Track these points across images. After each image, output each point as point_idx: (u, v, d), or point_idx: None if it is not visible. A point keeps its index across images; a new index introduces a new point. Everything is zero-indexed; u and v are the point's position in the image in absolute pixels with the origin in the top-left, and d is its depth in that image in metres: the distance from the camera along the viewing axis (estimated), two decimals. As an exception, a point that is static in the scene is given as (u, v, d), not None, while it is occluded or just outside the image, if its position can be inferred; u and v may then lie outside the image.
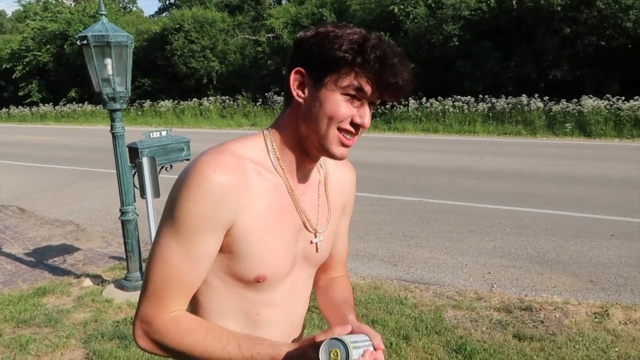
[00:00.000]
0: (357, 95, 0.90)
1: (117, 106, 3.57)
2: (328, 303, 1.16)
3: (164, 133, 3.75)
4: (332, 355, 0.83)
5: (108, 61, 3.43)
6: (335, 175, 1.10)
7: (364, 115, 0.93)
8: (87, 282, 4.12)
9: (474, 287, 3.80)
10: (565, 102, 12.27)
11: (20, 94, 25.15)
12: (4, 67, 25.39)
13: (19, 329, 3.33)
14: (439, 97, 14.39)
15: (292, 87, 0.93)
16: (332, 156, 0.95)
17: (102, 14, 3.50)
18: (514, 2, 14.63)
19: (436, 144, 11.18)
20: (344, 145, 0.94)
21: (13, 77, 24.67)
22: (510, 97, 13.46)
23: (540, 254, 4.40)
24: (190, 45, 19.90)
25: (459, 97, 14.08)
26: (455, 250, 4.60)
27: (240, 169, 0.90)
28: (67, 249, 5.10)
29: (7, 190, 8.16)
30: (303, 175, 1.01)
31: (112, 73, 3.46)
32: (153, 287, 0.89)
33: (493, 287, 3.81)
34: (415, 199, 6.36)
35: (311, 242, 1.03)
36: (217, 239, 0.90)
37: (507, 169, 7.82)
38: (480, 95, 13.82)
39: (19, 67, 24.47)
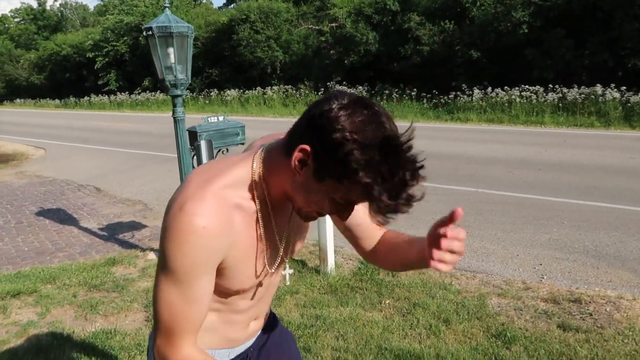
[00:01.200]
0: (348, 206, 0.92)
1: (178, 92, 3.82)
2: (394, 248, 1.17)
3: (221, 118, 3.97)
4: None
5: (170, 50, 3.68)
6: None
7: (346, 215, 0.94)
8: (151, 255, 4.46)
9: (522, 278, 3.75)
10: (644, 93, 11.46)
11: (100, 82, 26.93)
12: (87, 56, 27.25)
13: (91, 292, 3.70)
14: (505, 87, 13.87)
15: (293, 160, 0.89)
16: (303, 220, 1.03)
17: (165, 7, 3.75)
18: (590, -15, 13.78)
19: (499, 135, 10.84)
20: (312, 219, 1.00)
21: (95, 67, 26.45)
22: (583, 87, 12.73)
23: (598, 248, 4.23)
24: (255, 35, 20.39)
25: (527, 86, 13.50)
26: (507, 240, 4.53)
27: (223, 212, 0.94)
28: (135, 226, 5.52)
29: (86, 172, 8.88)
30: (283, 207, 1.06)
31: (174, 61, 3.71)
32: (162, 325, 0.97)
33: (543, 278, 3.74)
34: (471, 189, 6.27)
35: (282, 262, 1.13)
36: (212, 276, 0.98)
37: (572, 161, 7.48)
38: (550, 85, 13.18)
39: (100, 58, 26.19)
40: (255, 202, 0.99)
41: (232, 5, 28.78)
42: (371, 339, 2.88)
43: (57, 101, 30.82)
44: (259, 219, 1.01)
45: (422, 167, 0.87)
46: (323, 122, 0.84)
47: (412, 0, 17.35)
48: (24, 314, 3.39)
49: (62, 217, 6.02)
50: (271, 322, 1.35)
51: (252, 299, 1.13)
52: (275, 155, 0.97)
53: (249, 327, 1.20)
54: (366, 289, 3.55)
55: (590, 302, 3.26)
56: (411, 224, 5.10)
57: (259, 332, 1.28)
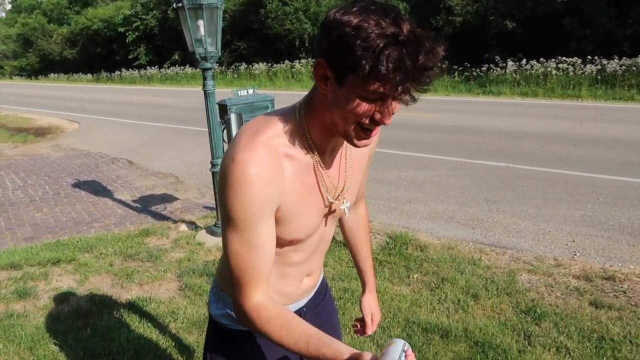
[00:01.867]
0: (378, 98, 0.89)
1: (208, 65, 3.83)
2: (354, 246, 1.49)
3: (250, 91, 3.97)
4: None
5: (200, 22, 3.67)
6: None
7: (385, 113, 0.91)
8: (183, 227, 4.56)
9: (554, 254, 3.69)
10: (690, 64, 10.89)
11: (130, 56, 27.25)
12: (118, 30, 27.55)
13: (126, 261, 3.83)
14: (541, 59, 13.39)
15: (316, 79, 0.93)
16: (354, 146, 0.99)
17: (196, -22, 3.72)
18: (636, -51, 13.02)
19: (533, 109, 10.53)
20: (364, 138, 0.97)
21: (127, 40, 26.73)
22: (624, 58, 12.17)
23: (635, 226, 4.11)
24: (283, 7, 20.16)
25: (564, 58, 12.99)
26: (539, 216, 4.45)
27: (273, 160, 0.97)
28: (167, 198, 5.64)
29: (119, 145, 9.08)
30: (332, 147, 1.08)
31: (204, 34, 3.71)
32: (234, 276, 1.01)
33: (575, 255, 3.67)
34: (502, 164, 6.14)
35: (332, 211, 1.15)
36: (270, 223, 1.00)
37: (609, 136, 7.23)
38: (589, 57, 12.64)
39: (130, 32, 26.44)
40: (304, 150, 1.03)
41: (259, -23, 28.43)
42: (399, 313, 2.90)
43: (89, 75, 31.41)
44: (311, 166, 1.04)
45: (431, 41, 0.86)
46: (324, 28, 0.90)
47: (444, -31, 16.78)
48: (64, 281, 3.54)
49: (97, 189, 6.20)
50: (324, 287, 1.40)
51: (305, 251, 1.16)
52: (310, 96, 1.02)
53: (303, 283, 1.23)
54: (394, 263, 3.56)
55: (624, 279, 3.19)
56: (440, 199, 5.06)
57: (312, 293, 1.31)
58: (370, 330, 1.46)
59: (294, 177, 1.02)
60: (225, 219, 0.99)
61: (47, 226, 4.88)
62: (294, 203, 1.03)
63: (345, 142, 1.09)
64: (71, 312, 3.09)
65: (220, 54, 3.95)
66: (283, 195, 1.00)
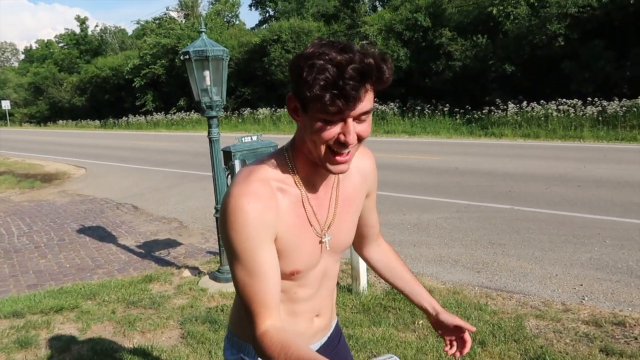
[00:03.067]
0: (335, 120, 0.97)
1: (214, 113, 3.93)
2: (400, 285, 1.42)
3: (254, 138, 4.05)
4: None
5: (206, 73, 3.79)
6: (354, 166, 1.19)
7: (348, 132, 0.98)
8: (186, 272, 4.54)
9: (562, 299, 3.63)
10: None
11: (137, 103, 27.89)
12: (126, 78, 28.33)
13: (129, 308, 3.79)
14: (541, 101, 13.60)
15: (289, 112, 1.04)
16: (330, 172, 1.05)
17: (202, 32, 3.88)
18: (629, -4, 13.44)
19: (535, 150, 10.61)
20: (338, 162, 1.03)
21: (133, 85, 27.44)
22: (624, 99, 12.35)
23: (643, 268, 4.06)
24: (287, 55, 20.74)
25: (564, 100, 13.19)
26: (545, 260, 4.40)
27: (267, 192, 1.05)
28: (171, 243, 5.64)
29: (124, 190, 9.16)
30: (322, 182, 1.13)
31: (210, 84, 3.82)
32: (246, 309, 1.05)
33: (584, 299, 3.61)
34: (506, 206, 6.14)
35: (320, 242, 1.17)
36: (270, 250, 1.05)
37: (613, 177, 7.24)
38: (589, 98, 12.83)
39: (138, 79, 27.16)
40: (295, 185, 1.10)
41: (264, 26, 29.43)
42: (405, 361, 2.84)
43: (97, 122, 32.09)
44: (300, 200, 1.10)
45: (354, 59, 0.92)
46: (289, 63, 0.99)
47: (443, 15, 17.34)
48: (66, 329, 3.50)
49: (101, 234, 6.21)
50: (338, 333, 1.40)
51: (309, 287, 1.18)
52: (295, 135, 1.11)
53: (314, 323, 1.24)
54: (399, 309, 3.51)
55: (635, 325, 3.12)
56: (444, 242, 5.03)
57: (326, 337, 1.31)
58: (468, 342, 1.34)
59: (288, 208, 1.08)
60: (228, 252, 1.05)
61: (51, 273, 4.87)
62: (291, 234, 1.08)
63: (338, 178, 1.16)
64: (72, 362, 3.04)
65: (225, 103, 4.05)
66: (279, 224, 1.06)
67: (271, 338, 1.01)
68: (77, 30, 43.39)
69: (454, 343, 1.36)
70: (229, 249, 1.04)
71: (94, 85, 33.49)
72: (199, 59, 3.78)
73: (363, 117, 0.99)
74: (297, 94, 0.98)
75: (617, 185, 6.77)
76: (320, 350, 1.28)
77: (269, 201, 1.04)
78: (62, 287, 4.33)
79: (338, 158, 1.02)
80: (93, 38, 42.86)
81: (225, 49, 3.91)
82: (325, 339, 1.31)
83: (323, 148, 1.00)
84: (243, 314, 1.17)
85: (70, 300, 3.92)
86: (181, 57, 3.91)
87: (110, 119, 30.30)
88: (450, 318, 1.34)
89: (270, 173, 1.08)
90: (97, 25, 58.53)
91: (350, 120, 0.97)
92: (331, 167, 1.04)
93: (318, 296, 1.23)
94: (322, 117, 0.96)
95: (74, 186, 10.22)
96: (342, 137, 0.98)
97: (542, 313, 3.36)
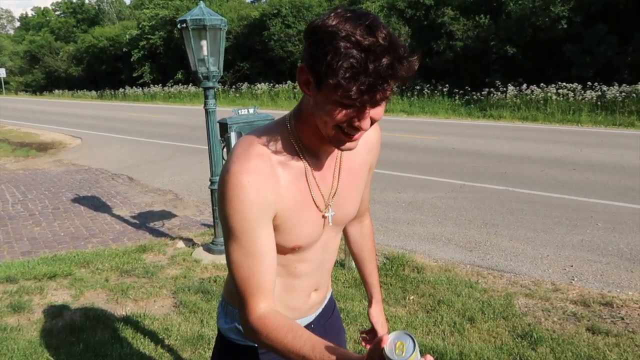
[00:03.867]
0: (353, 104, 0.90)
1: (210, 84, 3.88)
2: (360, 260, 1.47)
3: (251, 110, 4.01)
4: (397, 345, 0.83)
5: (204, 43, 3.73)
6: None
7: (363, 118, 0.92)
8: (180, 244, 4.56)
9: (552, 279, 3.67)
10: (689, 91, 10.97)
11: (135, 74, 27.57)
12: (123, 50, 27.96)
13: (122, 277, 3.81)
14: (541, 84, 13.52)
15: (299, 83, 0.96)
16: (338, 149, 1.01)
17: (200, 0, 3.80)
18: (635, -21, 13.26)
19: (533, 133, 10.59)
20: (346, 141, 0.97)
21: (131, 59, 27.09)
22: (624, 85, 12.29)
23: (633, 251, 4.10)
24: (286, 29, 20.48)
25: (564, 84, 13.12)
26: (537, 240, 4.44)
27: (267, 169, 1.00)
28: (165, 215, 5.64)
29: (119, 161, 9.12)
30: (326, 152, 1.09)
31: (207, 54, 3.77)
32: (238, 291, 1.02)
33: (573, 280, 3.65)
34: (501, 187, 6.15)
35: (323, 217, 1.13)
36: (268, 231, 1.02)
37: (609, 162, 7.25)
38: (589, 83, 12.76)
39: (136, 51, 26.80)
40: (296, 157, 1.05)
41: (264, 0, 28.94)
42: (394, 334, 2.87)
43: (93, 92, 31.74)
44: (303, 173, 1.06)
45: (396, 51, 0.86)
46: (305, 34, 0.93)
47: (447, -6, 17.08)
48: (59, 295, 3.52)
49: (96, 204, 6.21)
50: (332, 304, 1.40)
51: (310, 261, 1.17)
52: (300, 104, 1.06)
53: (310, 298, 1.23)
54: (391, 284, 3.55)
55: (622, 305, 3.17)
56: (438, 221, 5.06)
57: (320, 309, 1.31)
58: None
59: (290, 183, 1.04)
60: (225, 230, 1.01)
61: (45, 240, 4.88)
62: (292, 210, 1.05)
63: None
64: (65, 327, 3.07)
65: (222, 74, 4.00)
66: (279, 201, 1.02)
67: (273, 321, 0.98)
68: (74, -1, 42.67)
69: (369, 336, 1.49)
70: (225, 227, 1.01)
71: (91, 56, 33.04)
72: (197, 28, 3.72)
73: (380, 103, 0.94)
74: (313, 70, 0.90)
75: (612, 169, 6.79)
76: (314, 322, 1.28)
77: (269, 179, 1.00)
78: (56, 254, 4.35)
79: (348, 140, 0.97)
80: (90, 7, 42.17)
81: (223, 18, 3.85)
82: (320, 309, 1.31)
83: (333, 129, 0.95)
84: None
85: (64, 267, 3.93)
86: (178, 26, 3.85)
87: (107, 90, 29.97)
88: (375, 317, 1.45)
89: (270, 147, 1.03)
90: (94, -6, 57.46)
91: (365, 108, 0.91)
92: (340, 146, 0.99)
93: (318, 271, 1.21)
94: (339, 100, 0.89)
95: (70, 156, 10.17)
96: (356, 122, 0.93)
97: (532, 292, 3.41)
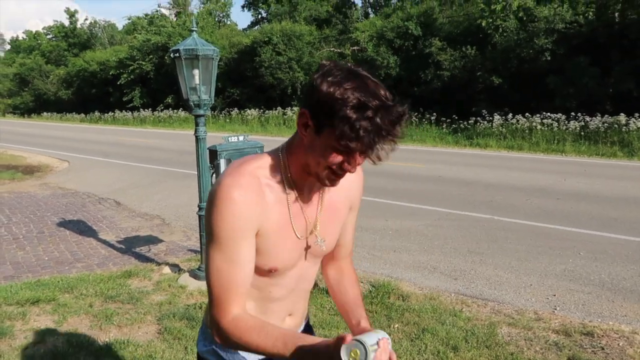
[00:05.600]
0: (348, 152, 1.02)
1: (201, 112, 3.95)
2: (342, 301, 1.38)
3: (241, 138, 4.07)
4: (351, 354, 0.93)
5: (196, 72, 3.81)
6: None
7: (354, 164, 1.05)
8: (167, 269, 4.54)
9: (534, 308, 3.71)
10: (669, 123, 11.28)
11: (125, 99, 27.64)
12: (111, 73, 28.07)
13: (106, 303, 3.78)
14: (527, 114, 13.83)
15: (298, 125, 1.07)
16: (325, 185, 1.12)
17: (193, 30, 3.91)
18: (615, 14, 13.76)
19: (518, 162, 10.78)
20: (333, 180, 1.09)
21: (118, 82, 27.20)
22: (606, 115, 12.62)
23: (614, 281, 4.17)
24: (277, 57, 20.77)
25: (549, 114, 13.44)
26: (521, 269, 4.49)
27: (255, 186, 1.09)
28: (152, 240, 5.62)
29: (107, 185, 9.09)
30: (309, 186, 1.18)
31: (199, 82, 3.85)
32: (214, 294, 1.09)
33: (556, 309, 3.70)
34: (486, 216, 6.24)
35: (308, 247, 1.21)
36: (250, 243, 1.10)
37: (592, 192, 7.40)
38: (573, 113, 13.08)
39: (124, 75, 26.93)
40: (282, 184, 1.13)
41: (256, 27, 29.43)
42: (379, 363, 2.88)
43: (82, 115, 31.68)
44: (285, 201, 1.14)
45: (389, 101, 0.99)
46: (312, 87, 1.02)
47: (434, 25, 17.55)
48: (42, 321, 3.48)
49: (82, 228, 6.16)
50: (308, 330, 1.43)
51: (284, 287, 1.22)
52: (292, 139, 1.15)
53: (285, 322, 1.27)
54: (376, 312, 3.56)
55: (603, 335, 3.21)
56: (424, 249, 5.10)
57: None
58: None
59: (274, 205, 1.12)
60: (209, 239, 1.09)
61: (29, 265, 4.82)
62: (273, 230, 1.12)
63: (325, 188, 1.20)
64: (47, 354, 3.03)
65: (213, 102, 4.07)
66: (263, 219, 1.10)
67: (246, 322, 1.06)
68: (66, 23, 42.92)
69: None
70: (210, 234, 1.08)
71: (81, 79, 33.12)
72: (189, 57, 3.80)
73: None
74: (316, 117, 1.01)
75: (596, 199, 6.92)
76: None
77: (257, 195, 1.08)
78: (40, 279, 4.30)
79: (334, 179, 1.08)
80: (82, 31, 42.39)
81: (215, 48, 3.94)
82: None
83: (325, 170, 1.06)
84: None
85: (48, 292, 3.89)
86: (171, 55, 3.93)
87: (97, 113, 29.97)
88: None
89: (261, 169, 1.12)
90: (86, 19, 58.05)
91: (358, 154, 1.03)
92: (327, 183, 1.10)
93: (292, 296, 1.26)
94: (337, 147, 1.00)
95: (56, 179, 10.11)
96: (346, 166, 1.04)
97: (515, 321, 3.44)
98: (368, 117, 0.95)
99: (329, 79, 0.99)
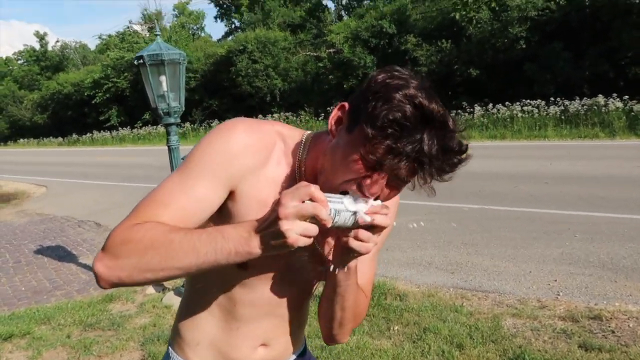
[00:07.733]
0: (374, 167, 0.81)
1: (172, 120, 3.74)
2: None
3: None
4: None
5: (162, 78, 3.61)
6: None
7: (374, 183, 0.81)
8: (150, 289, 4.31)
9: (537, 296, 3.56)
10: (647, 101, 11.35)
11: (102, 118, 27.20)
12: (86, 94, 27.63)
13: (86, 331, 3.54)
14: (507, 103, 13.83)
15: (331, 117, 0.88)
16: None
17: (157, 35, 3.72)
18: (586, -2, 13.86)
19: (502, 150, 10.73)
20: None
21: (93, 102, 26.76)
22: (585, 98, 12.66)
23: (614, 261, 4.05)
24: (253, 65, 20.60)
25: (528, 101, 13.45)
26: (518, 257, 4.35)
27: (268, 145, 0.91)
28: (135, 260, 5.37)
29: (87, 207, 8.79)
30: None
31: (167, 89, 3.64)
32: (139, 206, 0.88)
33: (559, 295, 3.55)
34: (476, 206, 6.11)
35: (293, 259, 0.97)
36: (216, 191, 0.87)
37: (579, 173, 7.34)
38: (552, 99, 13.11)
39: (100, 94, 26.51)
40: (294, 171, 0.93)
41: (230, 37, 29.24)
42: (380, 369, 2.70)
43: (59, 139, 31.12)
44: (281, 187, 0.92)
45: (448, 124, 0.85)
46: (367, 83, 0.86)
47: (408, 22, 17.54)
48: (14, 359, 3.23)
49: (61, 254, 5.89)
50: None
51: (256, 304, 0.98)
52: (321, 133, 0.96)
53: (256, 353, 1.03)
54: (373, 315, 3.38)
55: (611, 318, 3.07)
56: (417, 244, 4.95)
57: None
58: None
59: (269, 180, 0.91)
60: (180, 165, 0.91)
61: (4, 297, 4.55)
62: (252, 203, 0.89)
63: None
64: (21, 394, 2.79)
65: (183, 109, 3.86)
66: (250, 182, 0.89)
67: (150, 223, 0.82)
68: (37, 46, 42.23)
69: None
70: (184, 162, 0.90)
71: (56, 102, 32.54)
72: (154, 63, 3.60)
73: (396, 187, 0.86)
74: (356, 112, 0.83)
75: (583, 180, 6.85)
76: None
77: (262, 153, 0.90)
78: (14, 312, 4.04)
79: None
80: (54, 54, 41.73)
81: (181, 52, 3.74)
82: None
83: (339, 180, 0.83)
84: (177, 321, 1.04)
85: (22, 326, 3.64)
86: (135, 62, 3.72)
87: (74, 136, 29.43)
88: None
89: (285, 138, 0.95)
90: (57, 41, 57.05)
91: (384, 176, 0.82)
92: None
93: (264, 321, 1.01)
94: (363, 154, 0.80)
95: (34, 205, 9.77)
96: (366, 182, 0.81)
97: (519, 311, 3.29)
98: (421, 133, 0.79)
99: (393, 73, 0.84)
